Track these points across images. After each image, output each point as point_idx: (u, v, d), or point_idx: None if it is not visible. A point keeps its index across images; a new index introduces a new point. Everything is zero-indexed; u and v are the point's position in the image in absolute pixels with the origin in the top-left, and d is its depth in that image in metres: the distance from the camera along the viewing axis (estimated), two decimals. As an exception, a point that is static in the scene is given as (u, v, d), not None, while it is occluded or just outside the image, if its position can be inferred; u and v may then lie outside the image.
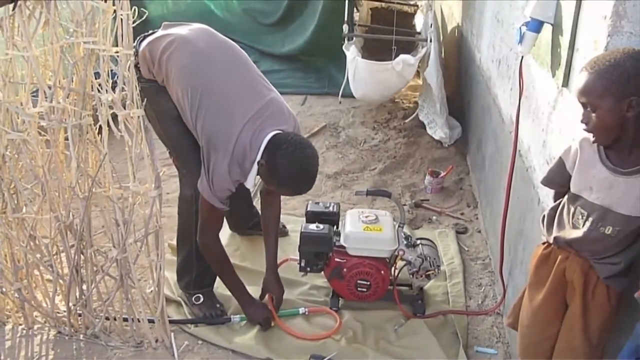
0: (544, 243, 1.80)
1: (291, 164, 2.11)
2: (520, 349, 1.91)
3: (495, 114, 3.09)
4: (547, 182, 1.79)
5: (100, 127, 2.08)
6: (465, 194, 3.64)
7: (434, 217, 3.40)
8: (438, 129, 4.18)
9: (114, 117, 2.04)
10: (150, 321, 2.33)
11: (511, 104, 2.75)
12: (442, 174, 3.66)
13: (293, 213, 3.37)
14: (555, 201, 1.78)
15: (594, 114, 1.49)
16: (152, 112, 2.31)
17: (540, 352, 1.83)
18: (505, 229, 2.47)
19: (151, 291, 2.36)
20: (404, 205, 3.49)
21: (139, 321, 2.32)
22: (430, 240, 2.67)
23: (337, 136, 4.40)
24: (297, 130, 2.32)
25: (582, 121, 1.53)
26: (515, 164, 2.35)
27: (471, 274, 2.89)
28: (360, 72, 4.14)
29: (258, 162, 2.15)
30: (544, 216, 1.80)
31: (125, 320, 2.36)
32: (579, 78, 1.51)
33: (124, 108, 2.02)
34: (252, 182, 2.22)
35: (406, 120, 4.48)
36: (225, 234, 3.06)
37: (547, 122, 2.12)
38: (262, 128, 2.16)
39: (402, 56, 4.02)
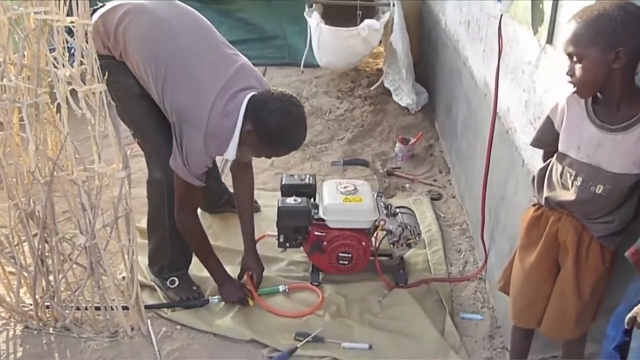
0: (534, 205, 1.77)
1: (284, 119, 1.99)
2: (513, 313, 1.88)
3: (466, 78, 3.04)
4: (536, 142, 1.74)
5: (59, 105, 1.92)
6: (436, 160, 3.61)
7: (407, 185, 3.36)
8: (404, 95, 4.12)
9: (73, 93, 1.89)
10: (124, 308, 2.21)
11: (484, 66, 2.70)
12: (412, 140, 3.61)
13: (263, 187, 3.27)
14: (544, 161, 1.74)
15: (579, 65, 1.44)
16: (111, 92, 2.13)
17: (533, 315, 1.81)
18: (485, 194, 2.44)
19: (123, 277, 2.23)
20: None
21: (112, 309, 2.20)
22: (409, 209, 2.62)
23: (301, 107, 4.28)
24: None
25: (567, 73, 1.49)
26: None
27: (450, 240, 2.86)
28: (325, 39, 4.02)
29: (242, 131, 2.03)
30: (533, 177, 1.76)
31: (98, 309, 2.23)
32: (567, 28, 1.47)
33: (84, 83, 1.87)
34: (234, 152, 2.08)
35: (371, 88, 4.39)
36: (195, 213, 2.94)
37: (529, 82, 2.07)
38: (236, 94, 2.03)
39: (367, 21, 3.91)
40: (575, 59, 1.46)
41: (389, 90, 4.31)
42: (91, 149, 1.93)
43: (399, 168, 3.51)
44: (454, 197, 3.22)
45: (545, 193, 1.68)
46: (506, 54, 2.29)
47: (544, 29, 1.85)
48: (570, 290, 1.68)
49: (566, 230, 1.65)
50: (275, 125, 1.99)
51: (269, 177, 3.40)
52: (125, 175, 1.98)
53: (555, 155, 1.65)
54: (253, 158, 2.45)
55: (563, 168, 1.60)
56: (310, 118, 4.11)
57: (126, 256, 2.12)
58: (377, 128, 3.97)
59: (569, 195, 1.59)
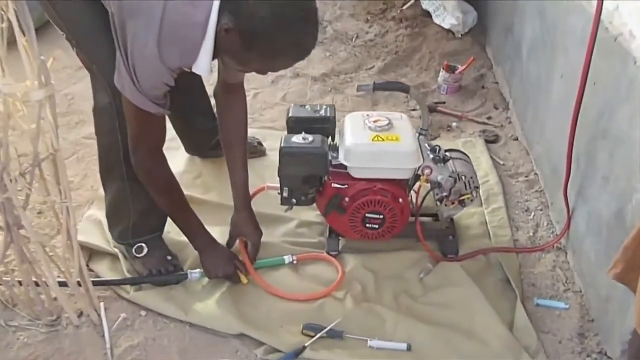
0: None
1: (280, 8, 1.29)
2: (638, 315, 1.20)
3: (539, -22, 2.28)
4: None
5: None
6: (489, 93, 2.88)
7: (454, 124, 2.64)
8: (448, 15, 3.35)
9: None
10: (62, 285, 1.59)
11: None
12: (460, 68, 2.88)
13: (272, 126, 2.60)
14: None
15: None
16: None
17: (675, 321, 1.13)
18: (575, 131, 1.73)
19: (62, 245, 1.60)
20: (413, 110, 2.73)
21: (46, 285, 1.59)
22: (463, 152, 1.92)
23: (322, 31, 3.53)
24: None
25: None
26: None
27: (513, 196, 2.17)
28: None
29: (218, 29, 1.34)
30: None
31: (36, 285, 1.62)
32: None
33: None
34: (207, 65, 1.39)
35: (403, 7, 3.63)
36: (181, 157, 2.29)
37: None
38: None
39: None
40: None
41: (428, 13, 3.56)
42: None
43: (444, 103, 2.79)
44: (515, 139, 2.50)
45: None
46: None
47: None
48: None
49: None
50: (266, 18, 1.29)
51: (279, 112, 2.72)
52: (44, 96, 1.32)
53: None
54: (247, 79, 1.77)
55: None
56: (333, 44, 3.42)
57: (60, 216, 1.48)
58: (414, 55, 3.23)
59: None
